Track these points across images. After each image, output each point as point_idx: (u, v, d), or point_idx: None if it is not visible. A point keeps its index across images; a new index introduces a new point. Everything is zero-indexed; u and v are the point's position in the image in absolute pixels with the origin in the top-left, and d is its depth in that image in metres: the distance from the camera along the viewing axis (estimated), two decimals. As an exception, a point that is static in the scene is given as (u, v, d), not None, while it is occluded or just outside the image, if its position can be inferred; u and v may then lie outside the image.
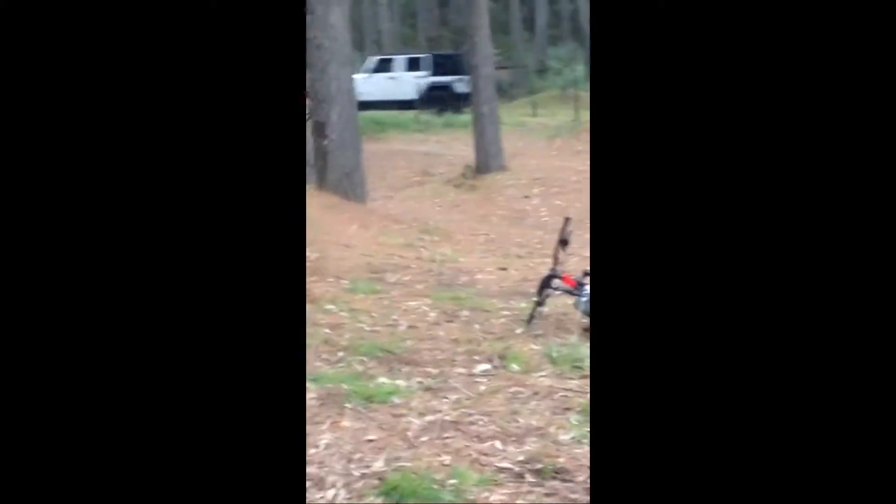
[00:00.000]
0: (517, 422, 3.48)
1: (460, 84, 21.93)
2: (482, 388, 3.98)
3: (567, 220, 5.40)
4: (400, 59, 24.87)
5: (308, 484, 2.83)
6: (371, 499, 2.83)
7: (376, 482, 2.92)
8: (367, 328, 5.11)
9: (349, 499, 2.83)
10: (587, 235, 9.61)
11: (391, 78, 24.12)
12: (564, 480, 2.96)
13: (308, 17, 9.65)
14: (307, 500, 2.73)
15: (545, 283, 5.33)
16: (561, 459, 3.09)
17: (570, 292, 5.32)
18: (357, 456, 3.14)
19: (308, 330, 4.41)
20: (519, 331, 5.14)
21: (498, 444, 3.26)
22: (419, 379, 4.12)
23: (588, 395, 3.72)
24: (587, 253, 8.42)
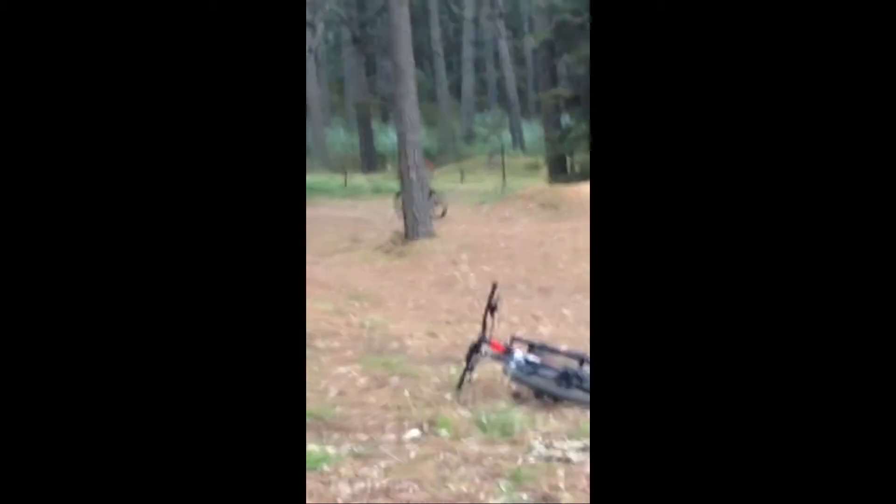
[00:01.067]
0: (447, 488, 3.48)
1: None
2: (412, 454, 3.98)
3: (494, 286, 5.46)
4: None
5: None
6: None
7: (306, 551, 2.90)
8: (297, 395, 5.07)
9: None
10: (516, 300, 9.57)
11: None
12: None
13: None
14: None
15: (474, 350, 5.37)
16: (490, 526, 3.10)
17: (498, 358, 5.36)
18: (286, 525, 3.10)
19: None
20: (448, 397, 5.16)
21: (428, 510, 3.27)
22: (349, 445, 4.11)
23: (517, 462, 3.75)
24: (515, 319, 8.51)
